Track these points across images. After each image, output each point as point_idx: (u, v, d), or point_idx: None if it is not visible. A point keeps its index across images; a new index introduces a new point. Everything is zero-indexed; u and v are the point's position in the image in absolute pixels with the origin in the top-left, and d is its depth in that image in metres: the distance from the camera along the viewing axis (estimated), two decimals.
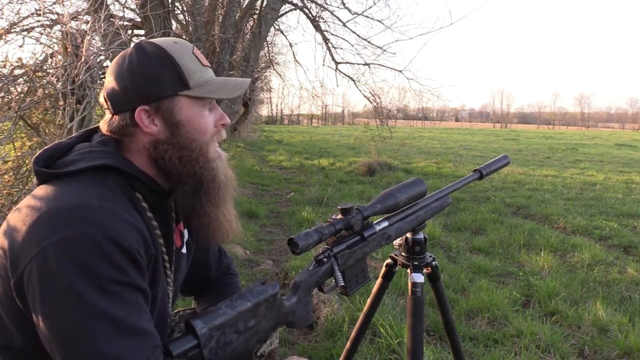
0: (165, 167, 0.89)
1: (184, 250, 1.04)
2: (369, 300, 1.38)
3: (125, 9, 5.65)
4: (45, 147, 0.89)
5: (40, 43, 3.13)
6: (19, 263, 0.74)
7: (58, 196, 0.78)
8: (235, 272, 1.26)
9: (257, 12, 7.49)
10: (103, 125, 0.92)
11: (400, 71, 9.02)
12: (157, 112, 0.88)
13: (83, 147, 0.88)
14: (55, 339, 0.72)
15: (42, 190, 0.82)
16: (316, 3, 8.31)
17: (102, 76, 3.23)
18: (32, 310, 0.74)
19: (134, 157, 0.90)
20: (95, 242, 0.73)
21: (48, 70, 3.00)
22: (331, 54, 9.07)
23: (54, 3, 3.10)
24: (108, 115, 0.91)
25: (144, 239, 0.81)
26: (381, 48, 8.74)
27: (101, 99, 0.92)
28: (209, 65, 0.94)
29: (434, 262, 1.34)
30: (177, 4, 6.74)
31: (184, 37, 6.87)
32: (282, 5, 7.46)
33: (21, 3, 2.89)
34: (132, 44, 0.94)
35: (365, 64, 9.01)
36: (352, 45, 8.88)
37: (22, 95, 2.73)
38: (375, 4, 8.62)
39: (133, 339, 0.73)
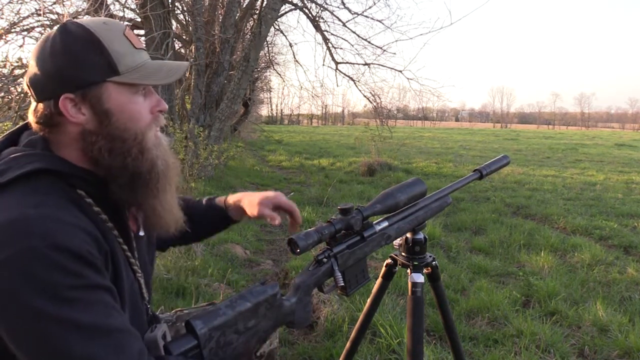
0: (96, 159, 0.83)
1: (141, 233, 0.99)
2: (369, 300, 1.38)
3: (125, 9, 5.67)
4: None
5: None
6: None
7: None
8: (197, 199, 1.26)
9: (257, 12, 7.49)
10: (30, 116, 0.86)
11: (400, 71, 9.05)
12: (84, 100, 0.81)
13: (9, 153, 0.81)
14: (30, 357, 0.69)
15: None
16: (316, 3, 8.32)
17: None
18: None
19: (66, 151, 0.84)
20: (41, 253, 0.68)
21: None
22: (331, 54, 9.09)
23: (54, 3, 3.11)
24: (33, 103, 0.85)
25: (92, 237, 0.76)
26: (381, 48, 8.78)
27: (24, 86, 0.86)
28: (143, 47, 0.88)
29: (434, 262, 1.33)
30: (177, 4, 6.74)
31: (184, 37, 6.87)
32: (282, 5, 7.47)
33: (21, 3, 2.90)
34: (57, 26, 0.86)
35: (365, 64, 9.04)
36: (352, 45, 8.93)
37: (22, 95, 2.73)
38: (375, 4, 8.68)
39: (107, 339, 0.71)
